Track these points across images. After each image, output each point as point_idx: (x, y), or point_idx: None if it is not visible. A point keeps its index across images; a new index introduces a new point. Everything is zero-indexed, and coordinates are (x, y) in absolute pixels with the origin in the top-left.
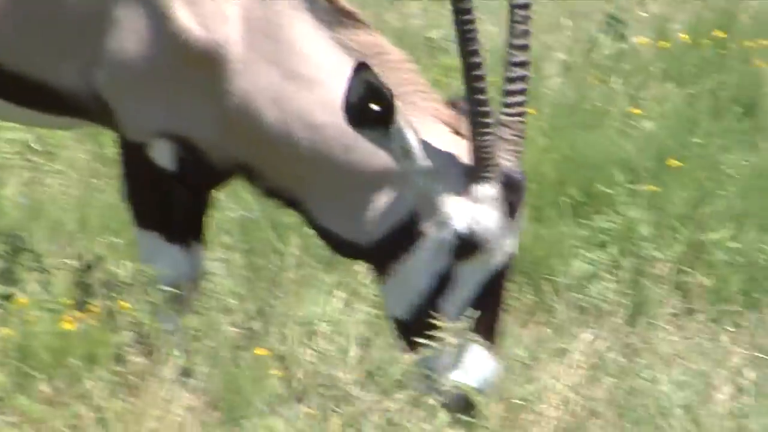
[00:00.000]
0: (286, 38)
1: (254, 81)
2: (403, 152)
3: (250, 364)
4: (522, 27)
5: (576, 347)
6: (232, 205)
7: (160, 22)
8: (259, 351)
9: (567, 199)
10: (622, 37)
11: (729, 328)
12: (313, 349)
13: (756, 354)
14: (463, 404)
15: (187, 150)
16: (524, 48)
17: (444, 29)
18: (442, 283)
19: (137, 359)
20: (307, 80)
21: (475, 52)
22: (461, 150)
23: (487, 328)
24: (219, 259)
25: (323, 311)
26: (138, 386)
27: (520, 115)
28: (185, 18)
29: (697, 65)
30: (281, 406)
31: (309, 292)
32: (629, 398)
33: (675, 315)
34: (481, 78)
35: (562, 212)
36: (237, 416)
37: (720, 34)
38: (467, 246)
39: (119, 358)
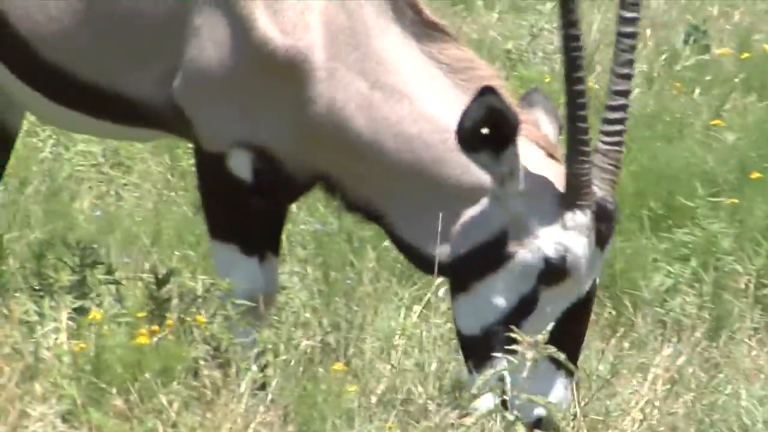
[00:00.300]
0: (374, 48)
1: (341, 90)
2: (510, 175)
3: (326, 379)
4: (627, 56)
5: (656, 362)
6: (307, 218)
7: (242, 30)
8: (335, 366)
9: (647, 212)
10: (705, 48)
11: None
12: (390, 364)
13: None
14: (539, 425)
15: (264, 160)
16: (627, 77)
17: (521, 40)
18: (524, 306)
19: (212, 373)
20: (397, 91)
21: (581, 80)
22: (555, 174)
23: (566, 356)
24: (294, 272)
25: (399, 325)
26: (212, 401)
27: (617, 144)
28: (267, 26)
29: None
30: (357, 421)
31: (385, 306)
32: (709, 414)
33: (756, 329)
34: (583, 106)
35: (642, 225)
36: (312, 431)
37: None
38: (554, 272)
39: (194, 372)
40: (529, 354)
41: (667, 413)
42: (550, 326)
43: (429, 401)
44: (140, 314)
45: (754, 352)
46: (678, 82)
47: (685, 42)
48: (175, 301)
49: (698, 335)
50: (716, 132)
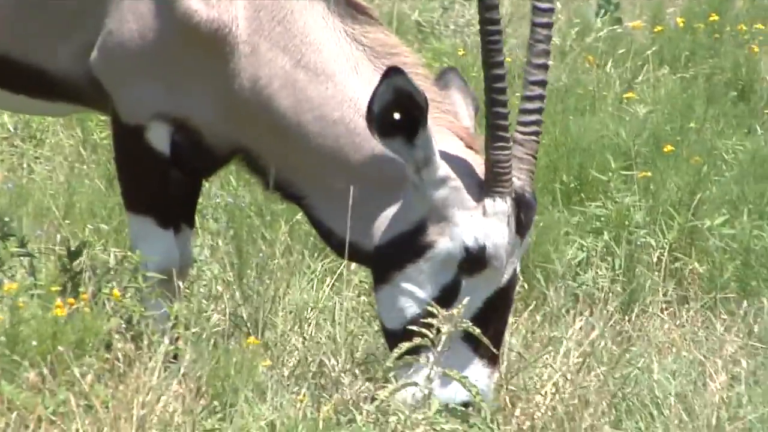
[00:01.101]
0: (298, 26)
1: (264, 66)
2: (424, 161)
3: (238, 352)
4: (542, 46)
5: (569, 335)
6: (219, 191)
7: (165, 2)
8: (248, 339)
9: (559, 185)
10: (617, 21)
11: (723, 315)
12: (302, 337)
13: (750, 342)
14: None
15: (184, 133)
16: (544, 67)
17: (433, 13)
18: (445, 296)
19: (125, 346)
20: (321, 72)
21: (499, 64)
22: (474, 164)
23: (487, 345)
24: (206, 245)
25: (312, 298)
26: (125, 373)
27: (535, 134)
28: None
29: (691, 49)
30: (270, 394)
31: (297, 280)
32: (622, 387)
33: (668, 303)
34: (502, 91)
35: (554, 198)
36: (224, 404)
37: (715, 17)
38: (474, 261)
39: (106, 345)
40: (445, 328)
41: (579, 386)
42: (472, 316)
43: (342, 374)
44: (54, 287)
45: (666, 326)
46: (590, 55)
47: (597, 15)
48: (87, 274)
49: (611, 309)
50: (629, 105)
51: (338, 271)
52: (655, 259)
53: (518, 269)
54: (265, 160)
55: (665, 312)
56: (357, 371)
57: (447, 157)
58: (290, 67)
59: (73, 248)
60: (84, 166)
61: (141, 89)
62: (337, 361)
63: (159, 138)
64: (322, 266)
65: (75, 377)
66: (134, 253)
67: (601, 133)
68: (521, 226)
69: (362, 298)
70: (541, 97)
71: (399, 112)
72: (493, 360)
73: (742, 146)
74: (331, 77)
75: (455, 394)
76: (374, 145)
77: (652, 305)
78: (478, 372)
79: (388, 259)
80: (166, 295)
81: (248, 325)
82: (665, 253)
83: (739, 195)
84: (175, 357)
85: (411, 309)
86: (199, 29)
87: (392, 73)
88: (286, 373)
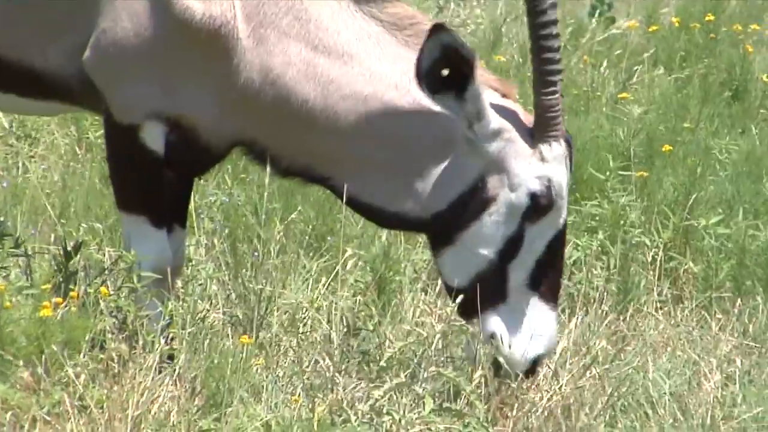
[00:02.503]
0: (310, 13)
1: (276, 56)
2: (477, 115)
3: (233, 352)
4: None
5: (564, 334)
6: (215, 190)
7: (161, 1)
8: (242, 338)
9: None
10: (611, 21)
11: (718, 315)
12: (297, 337)
13: (745, 342)
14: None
15: (180, 132)
16: (554, 23)
17: (429, 13)
18: (509, 247)
19: (119, 346)
20: (343, 53)
21: (544, 11)
22: (519, 112)
23: (550, 289)
24: (201, 244)
25: (307, 298)
26: (119, 373)
27: (559, 83)
28: None
29: (686, 50)
30: (264, 394)
31: (292, 279)
32: (617, 386)
33: (663, 302)
34: (550, 36)
35: None
36: (219, 404)
37: (710, 17)
38: (540, 207)
39: (100, 345)
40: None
41: (575, 386)
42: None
43: (336, 374)
44: (47, 287)
45: (661, 325)
46: (585, 56)
47: (591, 15)
48: (82, 274)
49: (605, 308)
50: (623, 105)
51: (334, 271)
52: (650, 259)
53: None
54: (277, 149)
55: (660, 311)
56: (351, 371)
57: (495, 108)
58: (307, 53)
59: (69, 248)
60: (79, 165)
61: (135, 88)
62: (332, 362)
63: (153, 137)
64: (317, 266)
65: (69, 377)
66: (128, 252)
67: (596, 134)
68: (570, 167)
69: (358, 297)
70: (559, 49)
71: (447, 67)
72: (557, 303)
73: (736, 146)
74: (355, 57)
75: (529, 351)
76: (416, 111)
77: (647, 304)
78: (546, 317)
79: (451, 222)
80: (161, 294)
81: (243, 324)
82: (660, 253)
83: (734, 195)
84: (170, 357)
85: (478, 265)
86: (198, 27)
87: (438, 29)
88: (281, 373)
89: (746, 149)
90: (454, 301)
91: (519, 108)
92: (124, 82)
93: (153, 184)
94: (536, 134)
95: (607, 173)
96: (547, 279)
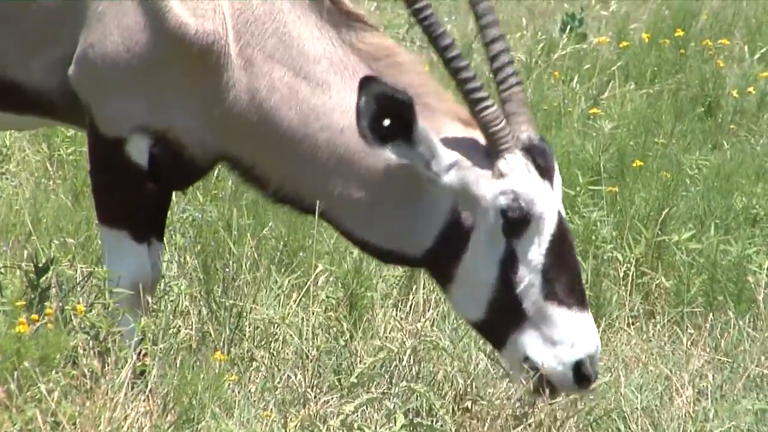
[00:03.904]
0: (292, 37)
1: (262, 78)
2: (430, 154)
3: (205, 368)
4: (484, 3)
5: None
6: (186, 206)
7: (152, 14)
8: (215, 354)
9: None
10: (582, 37)
11: (690, 330)
12: (269, 353)
13: (716, 357)
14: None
15: (165, 145)
16: (495, 24)
17: (399, 29)
18: (509, 267)
19: (91, 362)
20: (321, 82)
21: (442, 35)
22: (477, 138)
23: (569, 293)
24: (173, 260)
25: (279, 314)
26: (92, 389)
27: (515, 85)
28: (180, 10)
29: (657, 65)
30: (237, 410)
31: (265, 295)
32: (589, 402)
33: (635, 317)
34: (457, 57)
35: None
36: (191, 419)
37: (680, 33)
38: (515, 220)
39: (73, 361)
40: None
41: (547, 402)
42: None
43: (308, 389)
44: (19, 303)
45: (633, 340)
46: (556, 71)
47: (562, 30)
48: (54, 290)
49: None
50: (594, 121)
51: (305, 287)
52: (621, 274)
53: (563, 214)
54: (263, 170)
55: (632, 326)
56: (323, 386)
57: (449, 141)
58: (290, 78)
59: (40, 264)
60: (50, 181)
61: (122, 102)
62: (304, 377)
63: (138, 150)
64: (288, 282)
65: (41, 394)
66: (105, 266)
67: (568, 149)
68: (543, 171)
69: (330, 313)
70: (505, 50)
71: (387, 117)
72: (583, 303)
73: (707, 161)
74: (332, 86)
75: (570, 356)
76: (382, 153)
77: (619, 320)
78: (572, 321)
79: (443, 257)
80: (135, 310)
81: (215, 340)
82: (632, 268)
83: (706, 210)
84: (142, 373)
85: (485, 294)
86: (190, 42)
87: (367, 82)
88: (253, 389)
89: (717, 164)
90: (482, 336)
91: (478, 133)
92: (111, 95)
93: (136, 197)
94: (492, 153)
95: (578, 189)
96: (561, 285)
